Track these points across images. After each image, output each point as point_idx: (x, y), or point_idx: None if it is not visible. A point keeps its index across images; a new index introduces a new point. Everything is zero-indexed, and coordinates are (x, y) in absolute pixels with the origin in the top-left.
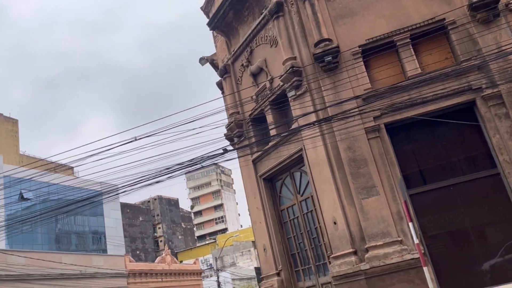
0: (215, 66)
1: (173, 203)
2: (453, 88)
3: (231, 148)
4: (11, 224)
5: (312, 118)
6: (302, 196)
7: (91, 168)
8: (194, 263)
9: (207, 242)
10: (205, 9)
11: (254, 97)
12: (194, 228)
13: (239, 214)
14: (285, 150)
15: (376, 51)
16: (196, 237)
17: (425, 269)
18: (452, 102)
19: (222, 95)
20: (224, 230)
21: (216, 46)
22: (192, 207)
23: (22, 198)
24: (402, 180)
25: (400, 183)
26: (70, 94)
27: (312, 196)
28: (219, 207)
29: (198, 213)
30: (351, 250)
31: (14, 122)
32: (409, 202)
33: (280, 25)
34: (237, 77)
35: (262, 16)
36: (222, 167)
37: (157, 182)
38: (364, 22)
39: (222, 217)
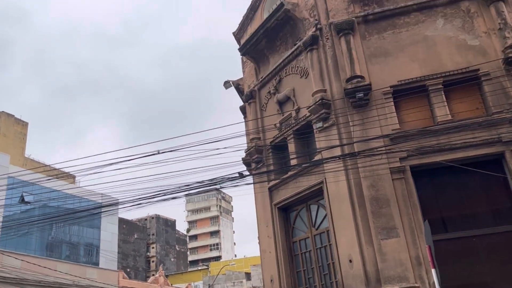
0: (240, 91)
1: (170, 224)
2: (482, 138)
3: (247, 173)
4: (10, 225)
5: (337, 152)
6: (317, 230)
7: (99, 179)
8: (187, 287)
9: (199, 268)
10: (237, 34)
11: (278, 125)
12: (188, 252)
13: (234, 243)
14: (305, 181)
15: (407, 93)
16: (188, 262)
17: None
18: (481, 152)
19: (244, 120)
20: (217, 258)
21: (243, 72)
22: (188, 231)
23: (22, 200)
24: (428, 224)
25: (425, 227)
26: (79, 103)
27: (328, 231)
28: (215, 233)
29: (194, 237)
30: None
31: (24, 124)
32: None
33: (313, 57)
34: (262, 103)
35: (296, 47)
36: (223, 193)
37: (173, 198)
38: (398, 64)
39: (217, 244)
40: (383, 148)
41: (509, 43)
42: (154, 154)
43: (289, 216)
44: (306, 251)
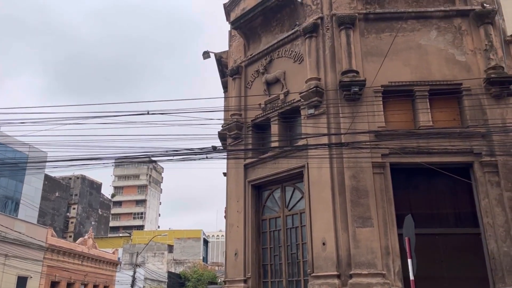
0: (221, 63)
1: (95, 186)
2: (457, 147)
3: (221, 147)
4: None
5: (323, 139)
6: (289, 211)
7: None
8: (113, 253)
9: (120, 235)
10: (228, 6)
11: (262, 104)
12: (110, 218)
13: (159, 215)
14: (285, 163)
15: (395, 94)
16: (109, 227)
17: None
18: (454, 159)
19: (224, 95)
20: (140, 227)
21: (230, 45)
22: (113, 196)
23: None
24: (411, 218)
25: (407, 221)
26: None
27: (301, 213)
28: (141, 202)
29: (118, 203)
30: (335, 273)
31: None
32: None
33: (312, 45)
34: (247, 80)
35: (293, 31)
36: (156, 163)
37: (151, 161)
38: (391, 66)
39: (142, 213)
40: (368, 143)
41: (492, 65)
42: (143, 114)
43: (261, 195)
44: (275, 230)
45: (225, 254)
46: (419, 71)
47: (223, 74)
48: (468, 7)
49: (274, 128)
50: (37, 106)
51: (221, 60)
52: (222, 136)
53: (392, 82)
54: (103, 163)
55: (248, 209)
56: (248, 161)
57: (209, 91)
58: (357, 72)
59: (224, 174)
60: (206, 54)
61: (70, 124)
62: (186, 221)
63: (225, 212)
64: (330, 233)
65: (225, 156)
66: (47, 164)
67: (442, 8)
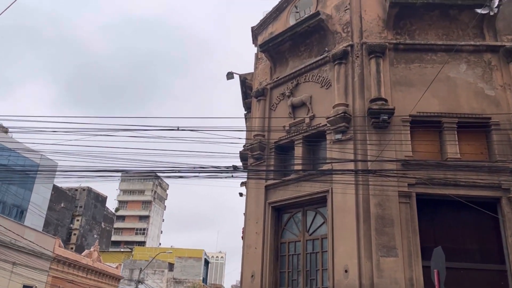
0: (245, 84)
1: (100, 199)
2: (485, 181)
3: (241, 167)
4: None
5: (349, 165)
6: (310, 235)
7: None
8: (117, 267)
9: (121, 250)
10: (256, 30)
11: (286, 127)
12: (112, 232)
13: (161, 231)
14: (308, 186)
15: (423, 125)
16: (111, 241)
17: None
18: (481, 193)
19: (244, 116)
20: (142, 243)
21: (256, 67)
22: (117, 210)
23: None
24: (441, 250)
25: (437, 252)
26: (13, 51)
27: (322, 238)
28: (144, 218)
29: (121, 218)
30: None
31: None
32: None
33: (341, 71)
34: (272, 102)
35: (322, 57)
36: (161, 179)
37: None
38: (419, 96)
39: (144, 229)
40: (395, 172)
41: None
42: (173, 130)
43: (281, 217)
44: (294, 254)
45: (241, 275)
46: (448, 103)
47: (246, 95)
48: (498, 43)
49: (298, 151)
50: (60, 115)
51: (245, 82)
52: (243, 156)
53: (421, 112)
54: (131, 176)
55: (267, 231)
56: (269, 182)
57: (215, 109)
58: (386, 100)
59: (241, 194)
60: (230, 75)
61: (99, 135)
62: (186, 239)
63: (242, 233)
64: (353, 260)
65: (248, 176)
66: (74, 173)
67: (472, 43)
